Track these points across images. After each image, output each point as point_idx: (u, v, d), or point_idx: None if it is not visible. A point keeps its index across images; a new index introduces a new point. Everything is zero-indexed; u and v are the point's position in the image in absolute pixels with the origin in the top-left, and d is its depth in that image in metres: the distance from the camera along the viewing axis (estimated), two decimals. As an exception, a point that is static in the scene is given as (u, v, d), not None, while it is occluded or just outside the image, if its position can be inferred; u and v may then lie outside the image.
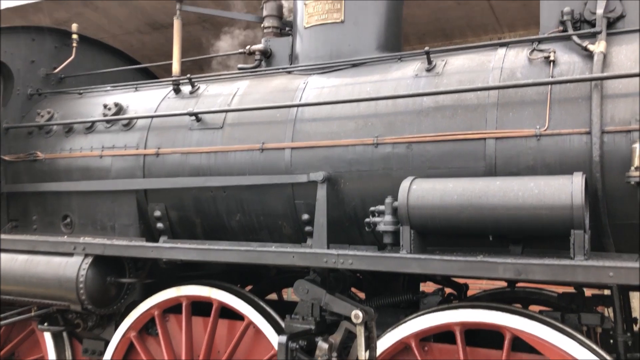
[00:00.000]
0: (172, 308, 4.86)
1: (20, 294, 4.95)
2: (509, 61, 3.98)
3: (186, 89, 5.23)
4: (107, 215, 5.17)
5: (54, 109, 5.82)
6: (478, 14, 8.67)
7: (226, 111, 4.78)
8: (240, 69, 5.34)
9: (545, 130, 3.59)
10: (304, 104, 4.47)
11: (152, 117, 5.10)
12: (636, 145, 3.16)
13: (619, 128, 3.39)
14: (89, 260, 4.68)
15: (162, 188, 4.89)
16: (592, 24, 3.90)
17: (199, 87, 5.21)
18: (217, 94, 5.05)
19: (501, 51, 4.11)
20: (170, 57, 5.30)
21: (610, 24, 3.86)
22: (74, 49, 6.22)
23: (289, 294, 8.16)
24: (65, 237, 5.25)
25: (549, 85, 3.67)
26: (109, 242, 4.74)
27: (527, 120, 3.67)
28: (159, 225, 4.99)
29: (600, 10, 3.82)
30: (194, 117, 4.83)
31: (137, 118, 5.17)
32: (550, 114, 3.61)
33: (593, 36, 3.82)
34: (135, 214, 5.04)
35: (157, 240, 4.98)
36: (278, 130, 4.51)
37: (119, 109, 5.34)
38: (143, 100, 5.41)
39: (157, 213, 4.96)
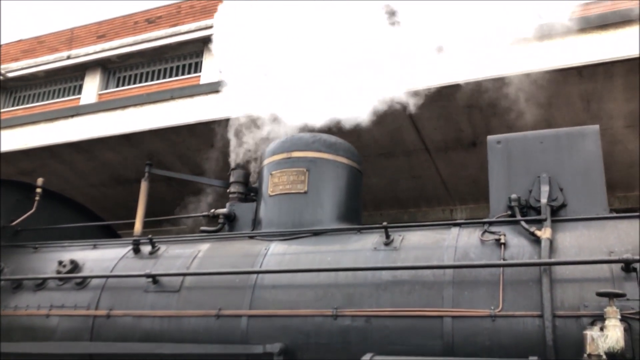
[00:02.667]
0: None
1: None
2: (462, 241, 4.18)
3: (146, 248, 5.21)
4: (45, 381, 4.80)
5: (4, 263, 5.64)
6: (431, 187, 9.23)
7: (184, 274, 4.74)
8: (202, 231, 5.41)
9: (499, 311, 3.68)
10: (264, 271, 4.50)
11: (106, 277, 5.00)
12: (587, 332, 3.25)
13: (569, 313, 3.53)
14: None
15: (109, 353, 4.64)
16: (537, 210, 4.21)
17: (159, 248, 5.20)
18: (177, 255, 5.04)
19: (454, 230, 4.34)
20: (132, 210, 5.36)
21: (554, 211, 4.18)
22: (36, 202, 6.20)
23: None
24: (-8, 405, 4.81)
25: (501, 267, 3.84)
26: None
27: (481, 300, 3.78)
28: (100, 394, 4.65)
29: (544, 200, 4.16)
30: (150, 279, 4.76)
31: (91, 277, 5.06)
32: (503, 295, 3.73)
33: (539, 222, 4.10)
34: (75, 381, 4.71)
35: (95, 411, 4.61)
36: (236, 297, 4.46)
37: (74, 267, 5.23)
38: (100, 258, 5.33)
39: (100, 380, 4.65)
